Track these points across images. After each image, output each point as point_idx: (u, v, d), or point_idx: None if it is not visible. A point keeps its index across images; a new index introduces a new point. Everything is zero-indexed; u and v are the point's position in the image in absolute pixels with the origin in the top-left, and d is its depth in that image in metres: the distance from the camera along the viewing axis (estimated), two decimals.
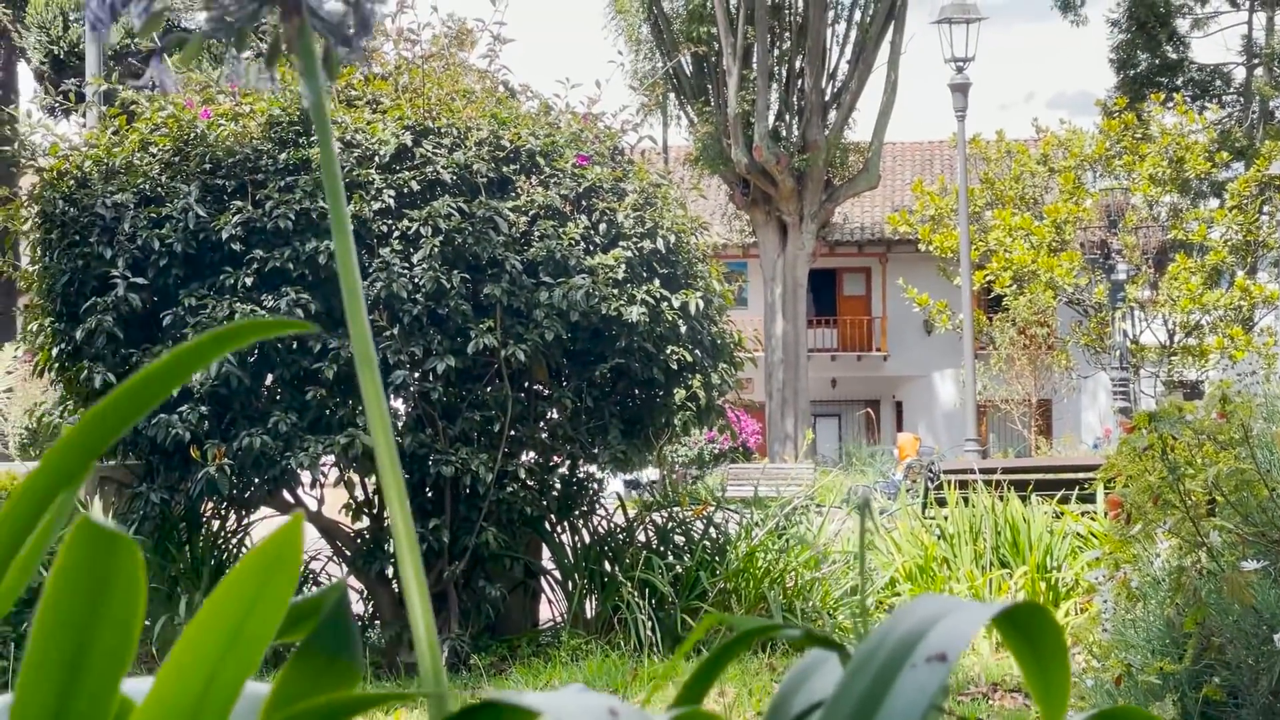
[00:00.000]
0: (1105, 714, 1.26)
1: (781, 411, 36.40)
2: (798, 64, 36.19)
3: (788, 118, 36.33)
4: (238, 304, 9.13)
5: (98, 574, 0.99)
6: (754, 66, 35.30)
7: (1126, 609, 5.88)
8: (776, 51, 36.44)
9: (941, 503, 10.82)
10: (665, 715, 0.93)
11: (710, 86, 36.84)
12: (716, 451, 29.21)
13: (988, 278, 35.07)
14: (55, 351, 9.64)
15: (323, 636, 1.05)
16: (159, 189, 9.49)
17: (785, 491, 13.92)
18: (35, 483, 1.01)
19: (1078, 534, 10.09)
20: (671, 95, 38.06)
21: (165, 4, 1.49)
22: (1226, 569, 5.16)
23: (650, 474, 17.59)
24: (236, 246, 9.27)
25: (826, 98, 36.04)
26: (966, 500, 10.41)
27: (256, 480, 9.52)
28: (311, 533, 10.18)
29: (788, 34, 36.41)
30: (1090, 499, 10.54)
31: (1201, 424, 5.34)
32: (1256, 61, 42.73)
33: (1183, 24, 43.57)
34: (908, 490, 11.99)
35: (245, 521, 10.14)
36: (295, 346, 9.25)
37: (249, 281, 9.21)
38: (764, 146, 34.76)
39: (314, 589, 8.92)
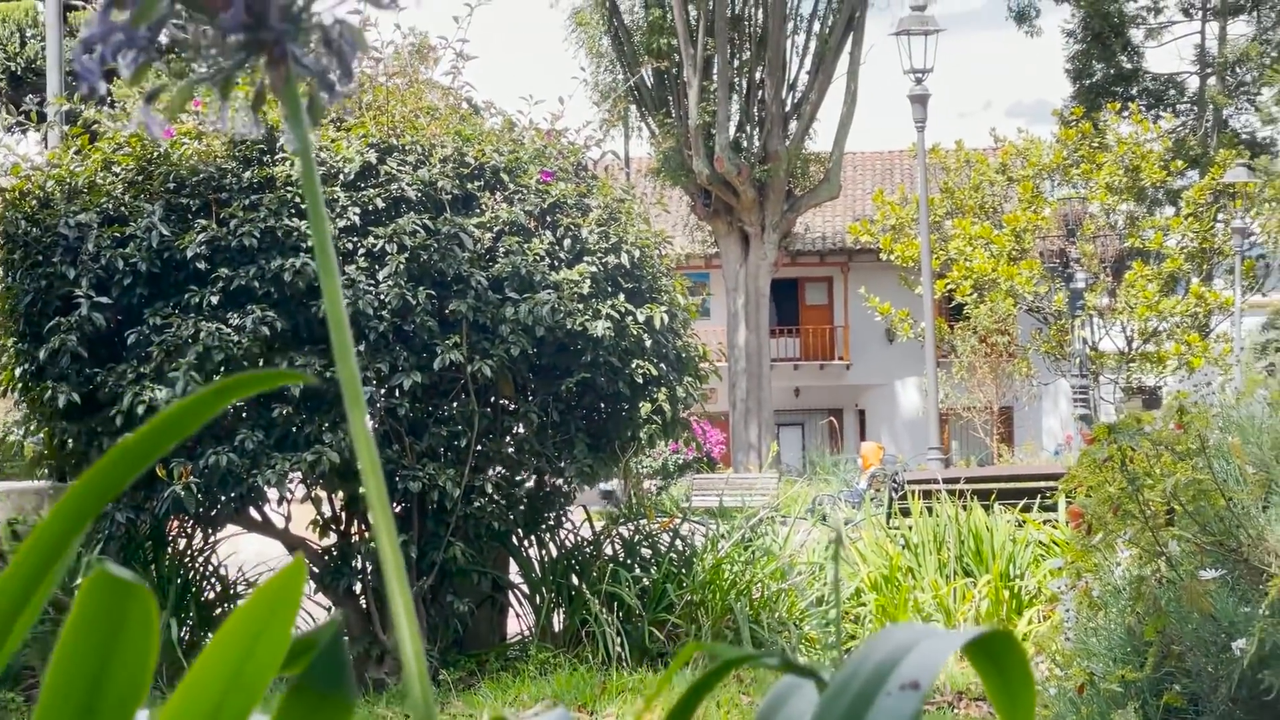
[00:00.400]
0: None
1: (745, 421, 36.51)
2: (758, 75, 36.34)
3: (749, 129, 36.46)
4: (203, 322, 9.14)
5: (113, 621, 1.04)
6: (714, 78, 35.44)
7: (1088, 618, 5.96)
8: (737, 63, 36.57)
9: (905, 512, 10.90)
10: None
11: (671, 98, 36.95)
12: (681, 462, 29.29)
13: (949, 286, 35.28)
14: (19, 371, 9.64)
15: (317, 672, 1.10)
16: (122, 208, 9.50)
17: (750, 501, 13.99)
18: (46, 530, 1.06)
19: (1040, 542, 10.18)
20: (633, 107, 38.17)
21: (153, 56, 1.54)
22: (1185, 578, 5.24)
23: (617, 484, 17.66)
24: (201, 265, 9.28)
25: (787, 108, 36.19)
26: (930, 510, 10.50)
27: (223, 498, 9.53)
28: (278, 549, 10.20)
29: (748, 45, 36.56)
30: (1052, 507, 10.64)
31: (1159, 435, 5.42)
32: (1210, 70, 43.09)
33: (1137, 34, 43.93)
34: (872, 499, 12.07)
35: (212, 539, 10.15)
36: (262, 364, 9.27)
37: (214, 300, 9.22)
38: (725, 157, 34.88)
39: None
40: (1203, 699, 5.37)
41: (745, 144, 36.20)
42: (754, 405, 36.53)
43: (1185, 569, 5.37)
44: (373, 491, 1.28)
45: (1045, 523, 10.42)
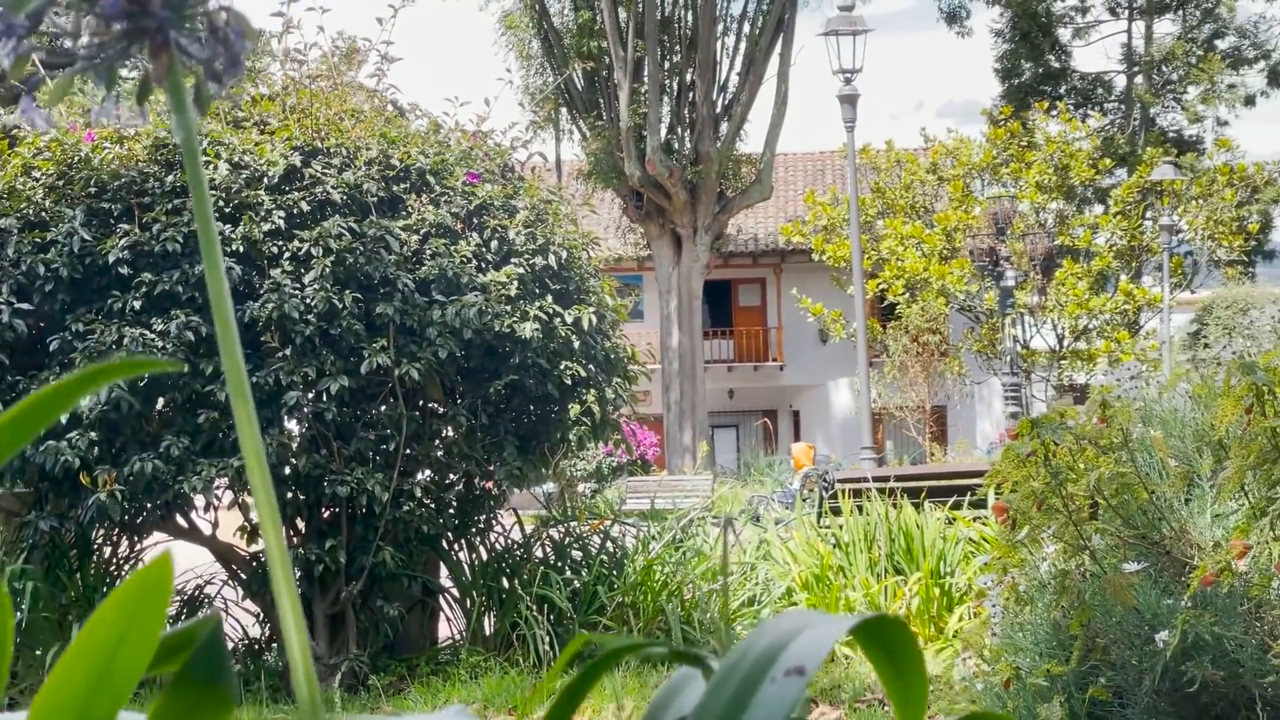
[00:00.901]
0: (972, 717, 1.31)
1: (679, 423, 36.54)
2: (689, 77, 36.38)
3: (680, 130, 36.51)
4: (126, 328, 9.05)
5: None
6: (645, 80, 35.45)
7: (1015, 613, 5.98)
8: (667, 65, 36.62)
9: (836, 511, 10.92)
10: None
11: (602, 101, 36.95)
12: (615, 465, 29.27)
13: (881, 286, 35.44)
14: None
15: (196, 667, 1.08)
16: (43, 213, 9.39)
17: (683, 503, 13.99)
18: None
19: (970, 539, 10.22)
20: (564, 110, 38.15)
21: (33, 45, 1.50)
22: (1109, 571, 5.26)
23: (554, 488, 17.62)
24: (124, 270, 9.19)
25: (718, 110, 36.26)
26: (861, 508, 10.52)
27: (149, 505, 9.45)
28: (206, 557, 10.12)
29: (678, 47, 36.60)
30: (982, 504, 10.68)
31: (1082, 429, 5.45)
32: (1137, 69, 43.45)
33: (1065, 33, 44.26)
34: (804, 499, 12.08)
35: (138, 548, 10.05)
36: (186, 370, 9.19)
37: (138, 305, 9.13)
38: (656, 160, 34.90)
39: (208, 612, 8.86)
40: (1127, 692, 5.39)
41: (676, 146, 36.25)
42: (688, 407, 36.57)
43: (1109, 562, 5.40)
44: (258, 486, 1.26)
45: (975, 520, 10.46)
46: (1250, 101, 43.07)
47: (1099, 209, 37.66)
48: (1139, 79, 43.28)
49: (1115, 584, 5.20)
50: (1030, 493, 5.43)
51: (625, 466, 29.35)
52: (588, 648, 1.19)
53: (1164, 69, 42.94)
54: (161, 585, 1.06)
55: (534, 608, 9.58)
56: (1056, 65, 43.98)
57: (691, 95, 36.22)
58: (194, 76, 1.50)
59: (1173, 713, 5.33)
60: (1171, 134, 42.96)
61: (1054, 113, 37.11)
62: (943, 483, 11.76)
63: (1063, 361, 35.20)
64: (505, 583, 10.08)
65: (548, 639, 9.31)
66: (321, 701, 1.08)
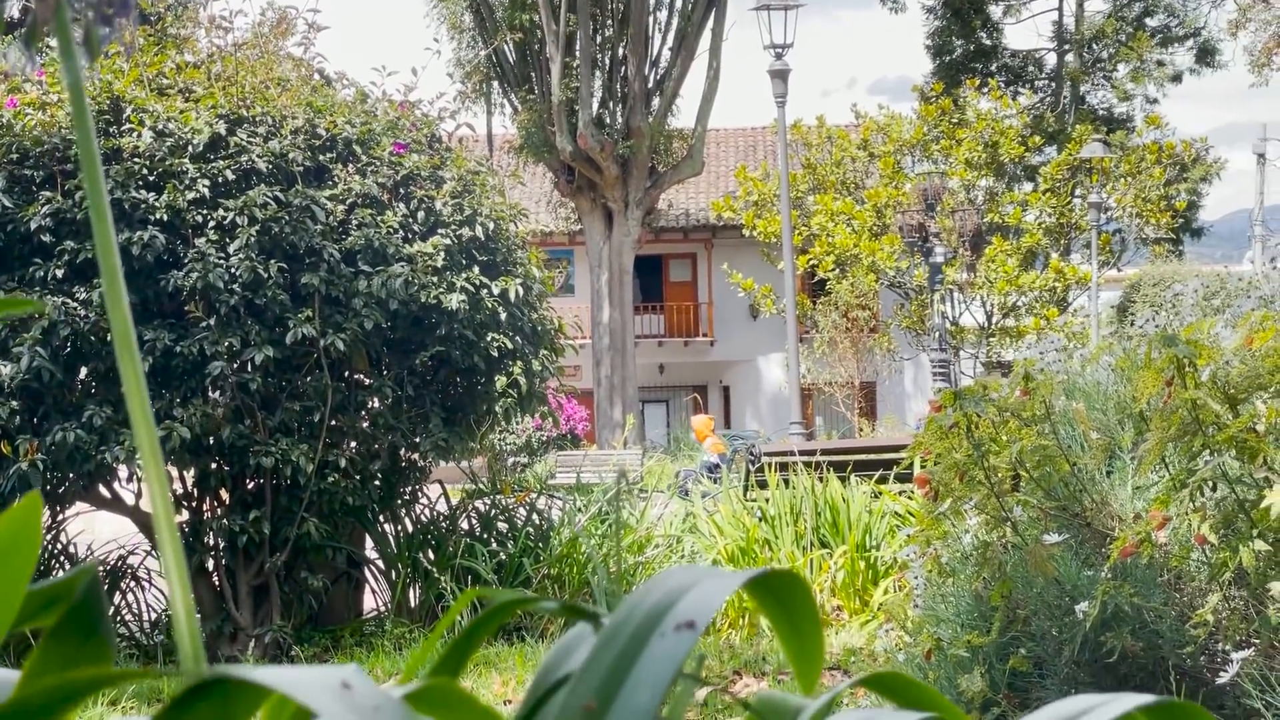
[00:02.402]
0: (873, 678, 1.30)
1: (610, 398, 36.52)
2: (620, 51, 36.28)
3: (611, 105, 36.42)
4: (48, 296, 8.95)
5: None
6: (577, 54, 35.33)
7: (938, 585, 6.00)
8: (599, 39, 36.51)
9: (763, 485, 10.93)
10: (403, 687, 0.94)
11: (534, 74, 36.79)
12: (544, 439, 29.23)
13: (811, 262, 35.51)
14: None
15: (74, 619, 1.05)
16: None
17: (611, 477, 13.98)
18: None
19: (896, 513, 10.26)
20: (495, 83, 37.98)
21: None
22: (1030, 543, 5.29)
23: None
24: (46, 238, 9.09)
25: (650, 85, 36.18)
26: (787, 482, 10.54)
27: (71, 475, 9.36)
28: (130, 527, 10.03)
29: (610, 21, 36.49)
30: (908, 478, 10.72)
31: (1005, 401, 5.46)
32: (1067, 47, 43.68)
33: (996, 10, 44.39)
34: (708, 476, 12.08)
35: (60, 518, 9.95)
36: (109, 339, 9.09)
37: (59, 273, 9.04)
38: (588, 134, 34.82)
39: (131, 583, 8.80)
40: (1047, 662, 5.42)
41: (608, 120, 36.16)
42: (618, 382, 36.56)
43: (1030, 534, 5.42)
44: (144, 444, 1.23)
45: (901, 494, 10.50)
46: (1178, 79, 43.38)
47: (1028, 186, 37.86)
48: (1069, 57, 43.51)
49: (1036, 555, 5.22)
50: (953, 464, 5.45)
51: (555, 440, 29.33)
52: (479, 602, 1.17)
53: (1094, 47, 43.18)
54: (29, 531, 1.03)
55: (458, 580, 9.55)
56: (988, 42, 44.14)
57: (624, 70, 36.13)
58: (82, 19, 1.47)
59: (1092, 683, 5.37)
60: (1101, 112, 43.21)
61: (985, 90, 37.25)
62: (869, 457, 11.80)
63: (991, 339, 35.41)
64: (431, 555, 10.04)
65: (471, 611, 9.28)
66: (204, 656, 1.06)
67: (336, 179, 9.57)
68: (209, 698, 0.84)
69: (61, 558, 9.96)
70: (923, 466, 6.52)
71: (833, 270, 35.08)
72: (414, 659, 1.19)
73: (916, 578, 6.30)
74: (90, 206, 1.34)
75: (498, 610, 1.14)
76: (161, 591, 10.13)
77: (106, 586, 9.97)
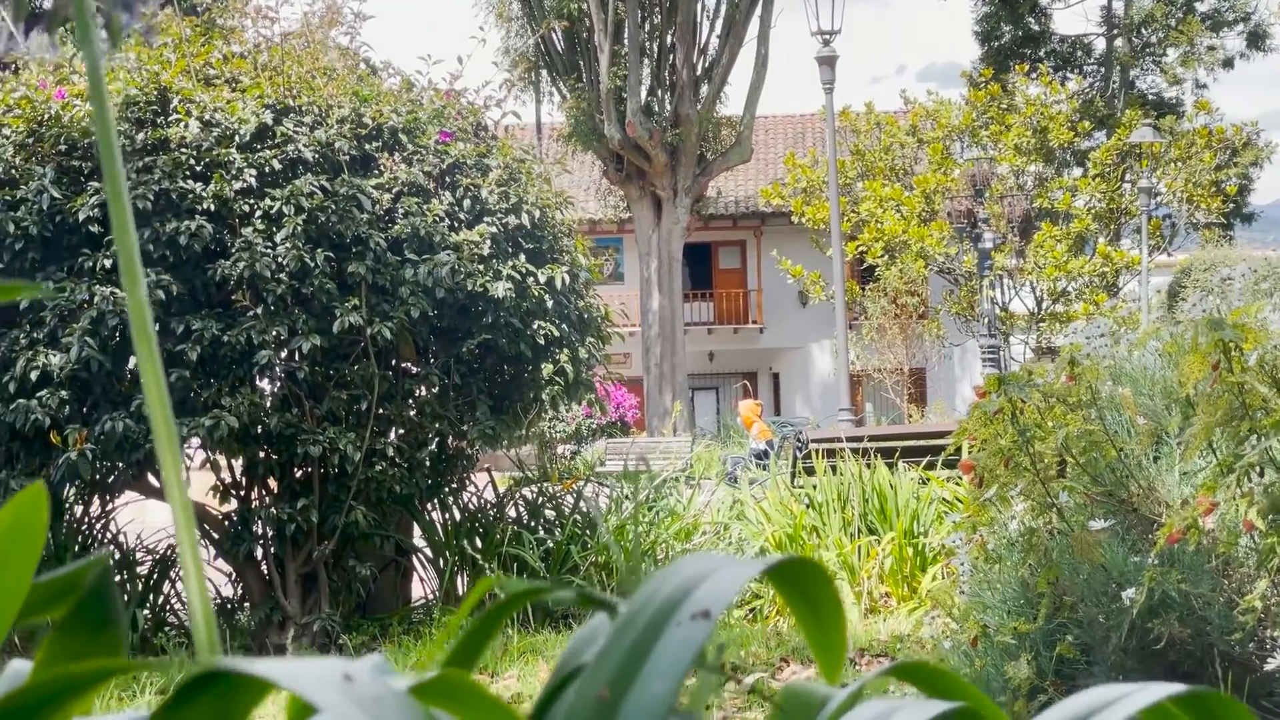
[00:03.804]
0: (901, 667, 1.28)
1: (659, 386, 36.52)
2: (669, 39, 36.23)
3: (660, 93, 36.37)
4: (97, 286, 9.00)
5: None
6: (625, 42, 35.30)
7: (984, 571, 5.97)
8: (648, 27, 36.46)
9: (810, 471, 10.90)
10: (409, 679, 0.93)
11: (582, 63, 36.78)
12: (594, 426, 29.24)
13: (860, 249, 35.40)
14: None
15: (85, 610, 1.04)
16: (12, 171, 9.33)
17: (658, 465, 13.97)
18: None
19: (944, 499, 10.21)
20: (544, 72, 37.98)
21: None
22: (1076, 529, 5.25)
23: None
24: (95, 229, 9.13)
25: (698, 72, 36.12)
26: (835, 469, 10.50)
27: (120, 465, 9.41)
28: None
29: (658, 9, 36.44)
30: (956, 464, 10.66)
31: (1050, 387, 5.43)
32: (1116, 32, 43.35)
33: None
34: (757, 462, 12.06)
35: (109, 507, 10.01)
36: (157, 328, 9.13)
37: (108, 264, 9.08)
38: (636, 122, 34.79)
39: (180, 572, 8.82)
40: (1094, 649, 5.39)
41: (656, 108, 36.12)
42: (668, 370, 36.55)
43: (1076, 520, 5.38)
44: (159, 422, 1.22)
45: (949, 480, 10.45)
46: (1229, 64, 42.99)
47: (1078, 172, 37.62)
48: (1118, 41, 43.19)
49: (1082, 541, 5.19)
50: (997, 450, 5.42)
51: (604, 428, 29.34)
52: (499, 590, 1.16)
53: (1144, 31, 42.83)
54: (34, 520, 1.03)
55: (505, 567, 9.56)
56: (1036, 28, 43.86)
57: (672, 57, 36.08)
58: (104, 6, 1.47)
59: (1139, 670, 5.33)
60: (1151, 96, 42.89)
61: (1034, 75, 37.04)
62: (917, 443, 11.75)
63: (1041, 324, 35.22)
64: (478, 543, 10.05)
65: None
66: (219, 643, 1.05)
67: (382, 168, 9.58)
68: (210, 690, 0.83)
69: (111, 546, 10.02)
70: (970, 453, 6.49)
71: (881, 257, 34.96)
72: (428, 651, 1.18)
73: (963, 564, 6.27)
74: (108, 187, 1.34)
75: (513, 600, 1.14)
76: (211, 580, 10.18)
77: (155, 576, 10.03)
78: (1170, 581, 5.09)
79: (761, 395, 42.59)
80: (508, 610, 1.14)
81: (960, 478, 10.22)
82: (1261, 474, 4.83)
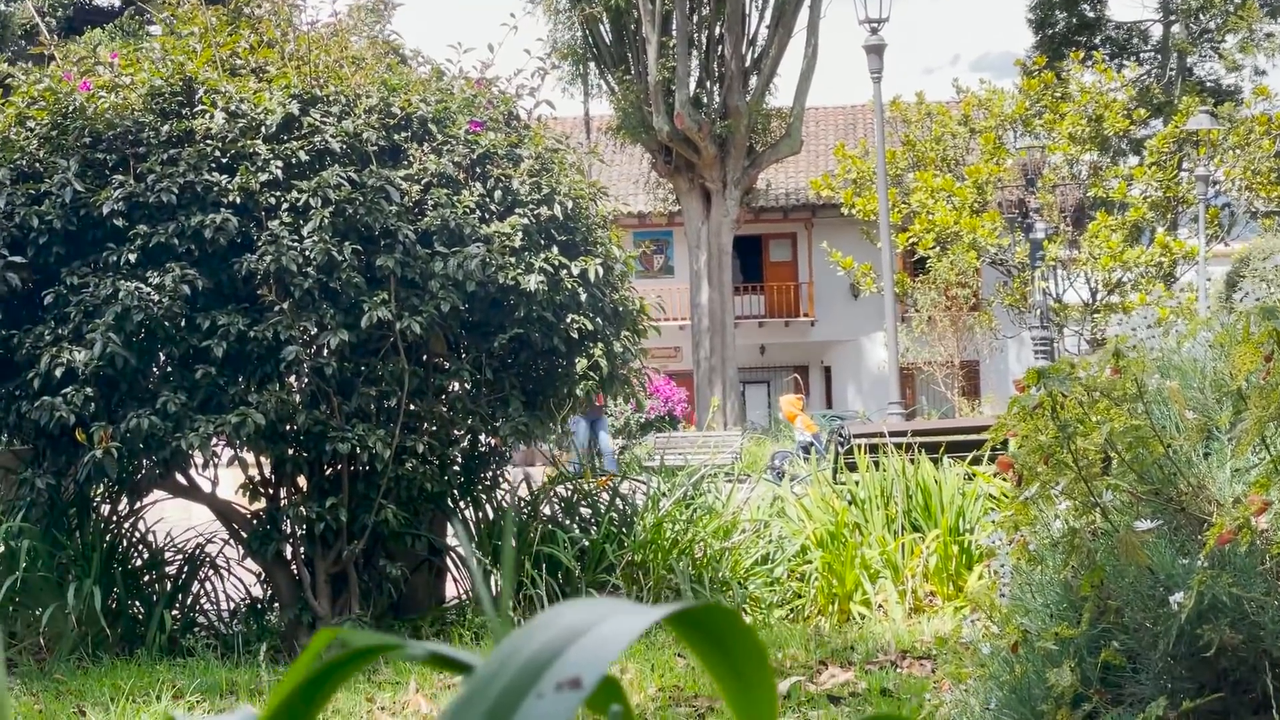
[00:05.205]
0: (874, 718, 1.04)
1: (709, 380, 36.26)
2: (717, 30, 35.96)
3: (708, 84, 36.12)
4: (121, 281, 8.82)
5: None
6: (673, 33, 35.04)
7: (1025, 573, 5.71)
8: (696, 18, 36.19)
9: (853, 467, 10.64)
10: None
11: (630, 55, 36.55)
12: (643, 421, 29.05)
13: (911, 240, 35.03)
14: None
15: None
16: (37, 164, 9.18)
17: (716, 460, 13.70)
18: None
19: (990, 495, 9.94)
20: (592, 65, 37.78)
21: None
22: (1121, 529, 4.99)
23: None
24: (119, 222, 8.97)
25: (747, 64, 35.84)
26: (877, 464, 10.24)
27: (147, 463, 9.24)
28: (206, 515, 9.91)
29: (706, 0, 36.17)
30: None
31: (1094, 380, 5.16)
32: (1173, 18, 42.80)
33: None
34: (803, 455, 11.80)
35: (137, 505, 9.84)
36: (184, 324, 8.96)
37: (133, 258, 8.91)
38: (685, 114, 34.53)
39: (210, 572, 8.66)
40: (1141, 656, 5.12)
41: (705, 100, 35.86)
42: (717, 363, 36.29)
43: (1121, 520, 5.12)
44: None
45: (996, 475, 10.17)
46: None
47: (1134, 160, 37.12)
48: (1176, 28, 42.62)
49: (1127, 542, 4.92)
50: (1037, 447, 5.16)
51: (654, 423, 29.14)
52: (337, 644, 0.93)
53: (1201, 17, 42.24)
54: None
55: (540, 567, 9.34)
56: (1091, 15, 43.35)
57: (720, 48, 35.81)
58: None
59: (1189, 678, 5.06)
60: (1209, 83, 42.32)
61: (1089, 63, 36.58)
62: (962, 437, 11.46)
63: (1096, 315, 34.76)
64: (512, 541, 9.84)
65: (551, 599, 9.07)
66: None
67: (411, 159, 9.37)
68: None
69: (139, 546, 9.86)
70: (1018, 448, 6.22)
71: (933, 248, 34.56)
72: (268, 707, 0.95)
73: (1003, 565, 6.01)
74: None
75: (349, 660, 0.90)
76: (240, 580, 10.00)
77: (184, 575, 9.85)
78: (1221, 585, 4.82)
79: (813, 388, 42.25)
80: (339, 672, 0.91)
81: (1005, 474, 9.94)
82: None
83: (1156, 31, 43.71)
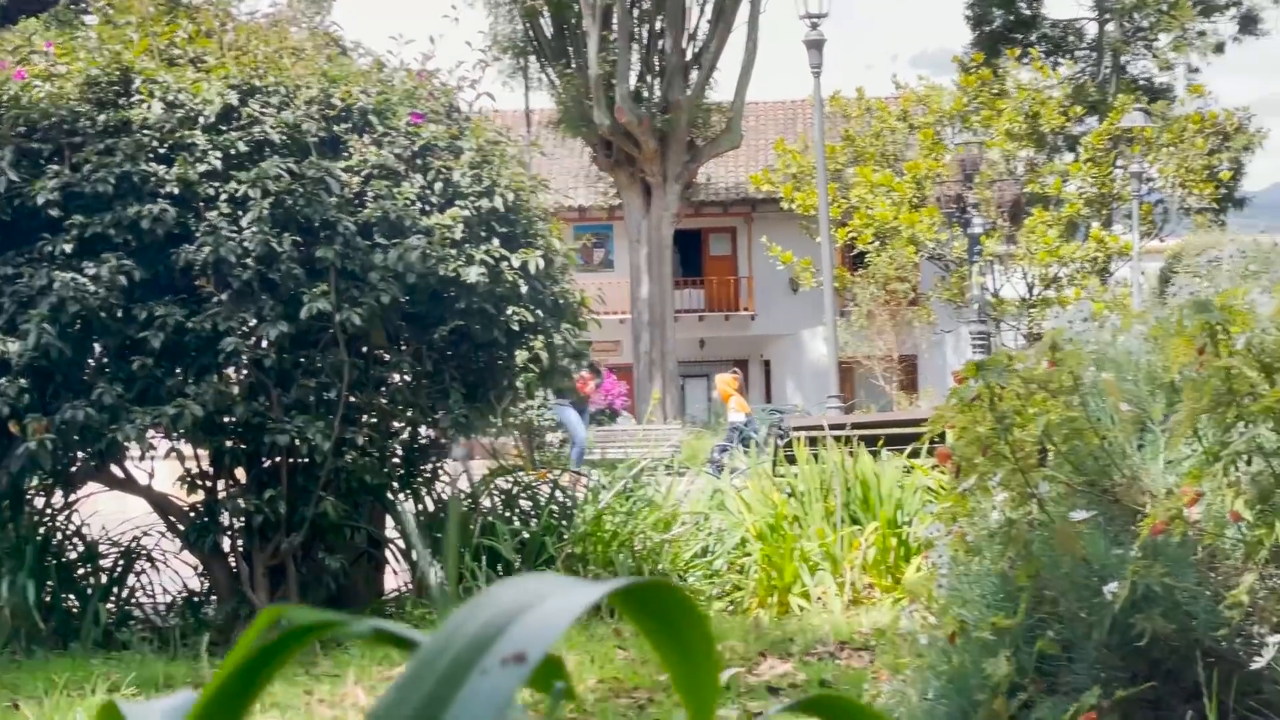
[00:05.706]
0: (814, 700, 1.06)
1: (649, 373, 36.30)
2: (658, 24, 36.00)
3: (649, 79, 36.16)
4: (57, 272, 8.74)
5: None
6: (614, 27, 35.05)
7: (964, 564, 5.75)
8: (636, 12, 36.22)
9: (791, 460, 10.68)
10: None
11: (571, 49, 36.54)
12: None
13: (851, 234, 35.18)
14: None
15: None
16: None
17: (636, 453, 13.72)
18: None
19: (928, 488, 10.00)
20: (533, 58, 37.74)
21: None
22: (1057, 520, 5.03)
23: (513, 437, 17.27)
24: (54, 212, 8.88)
25: (687, 58, 35.89)
26: (816, 457, 10.28)
27: (82, 455, 9.17)
28: (143, 507, 9.85)
29: None
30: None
31: (1031, 373, 5.20)
32: (1108, 16, 43.10)
33: None
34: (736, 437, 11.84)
35: (72, 498, 9.76)
36: (120, 315, 8.91)
37: (68, 249, 8.83)
38: (626, 108, 34.54)
39: (146, 564, 8.60)
40: (1076, 645, 5.17)
41: (646, 94, 35.89)
42: (658, 357, 36.34)
43: (1057, 511, 5.16)
44: None
45: (934, 468, 10.23)
46: (1221, 49, 42.78)
47: (1069, 157, 37.40)
48: (1110, 26, 42.93)
49: (1063, 533, 4.97)
50: (975, 438, 5.20)
51: (592, 416, 29.12)
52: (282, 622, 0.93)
53: (1135, 16, 42.57)
54: None
55: (480, 559, 9.33)
56: (1028, 12, 43.61)
57: (661, 43, 35.86)
58: None
59: (1122, 667, 5.12)
60: (1143, 81, 42.65)
61: (1025, 60, 36.82)
62: (901, 430, 11.51)
63: (1033, 310, 35.00)
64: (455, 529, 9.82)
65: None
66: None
67: (352, 150, 9.33)
68: None
69: (74, 539, 9.78)
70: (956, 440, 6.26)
71: (872, 243, 34.73)
72: (199, 702, 0.95)
73: (941, 556, 6.05)
74: None
75: (293, 635, 0.91)
76: (177, 572, 9.94)
77: (120, 568, 9.78)
78: (1154, 575, 4.87)
79: (753, 382, 42.35)
80: (283, 649, 0.91)
81: (944, 466, 10.00)
82: (1249, 462, 4.62)
83: (1092, 29, 44.03)
